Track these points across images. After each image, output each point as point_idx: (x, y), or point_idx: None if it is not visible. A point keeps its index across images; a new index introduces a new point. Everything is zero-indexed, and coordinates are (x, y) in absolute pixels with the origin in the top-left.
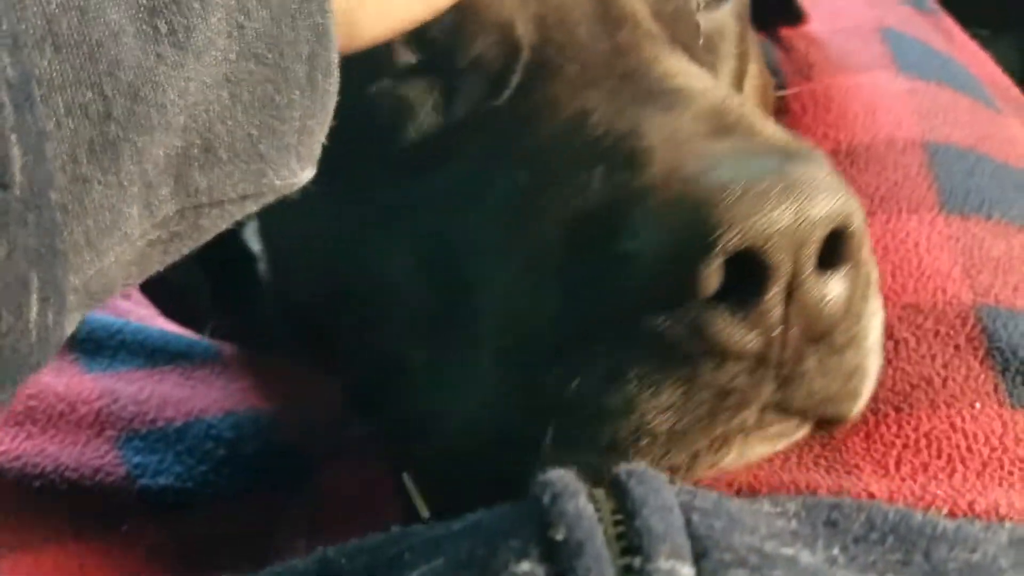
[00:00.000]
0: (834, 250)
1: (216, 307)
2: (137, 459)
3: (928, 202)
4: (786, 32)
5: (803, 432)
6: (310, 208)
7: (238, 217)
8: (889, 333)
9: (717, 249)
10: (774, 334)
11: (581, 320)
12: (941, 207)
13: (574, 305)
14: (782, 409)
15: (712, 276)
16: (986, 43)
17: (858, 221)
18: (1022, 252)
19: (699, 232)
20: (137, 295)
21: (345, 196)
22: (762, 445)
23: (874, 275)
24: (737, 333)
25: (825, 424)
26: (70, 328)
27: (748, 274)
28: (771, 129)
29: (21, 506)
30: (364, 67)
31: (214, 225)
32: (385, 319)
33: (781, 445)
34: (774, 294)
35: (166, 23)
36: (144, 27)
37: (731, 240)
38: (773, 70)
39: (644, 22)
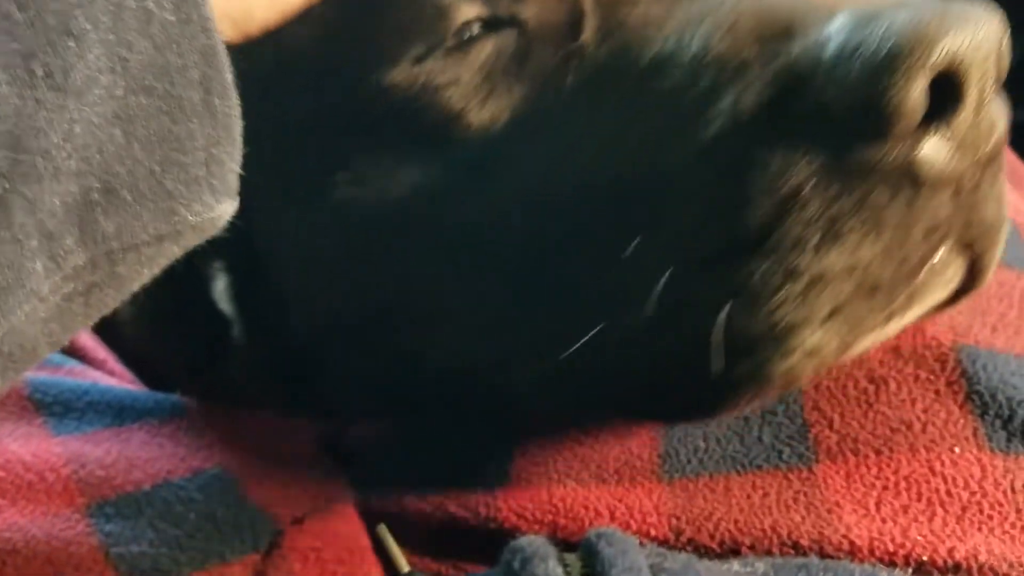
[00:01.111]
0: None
1: (188, 371)
2: (109, 527)
3: None
4: None
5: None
6: (346, 213)
7: (163, 262)
8: (870, 375)
9: (927, 67)
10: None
11: (781, 188)
12: None
13: (771, 171)
14: (959, 242)
15: (922, 97)
16: None
17: (1008, 43)
18: (998, 291)
19: (904, 56)
20: (112, 364)
21: (406, 177)
22: (936, 292)
23: None
24: (946, 153)
25: (974, 275)
26: None
27: (941, 98)
28: None
29: None
30: (418, 43)
31: (134, 272)
32: (490, 274)
33: (947, 293)
34: (971, 111)
35: (42, 66)
36: (19, 73)
37: (938, 58)
38: None
39: None
